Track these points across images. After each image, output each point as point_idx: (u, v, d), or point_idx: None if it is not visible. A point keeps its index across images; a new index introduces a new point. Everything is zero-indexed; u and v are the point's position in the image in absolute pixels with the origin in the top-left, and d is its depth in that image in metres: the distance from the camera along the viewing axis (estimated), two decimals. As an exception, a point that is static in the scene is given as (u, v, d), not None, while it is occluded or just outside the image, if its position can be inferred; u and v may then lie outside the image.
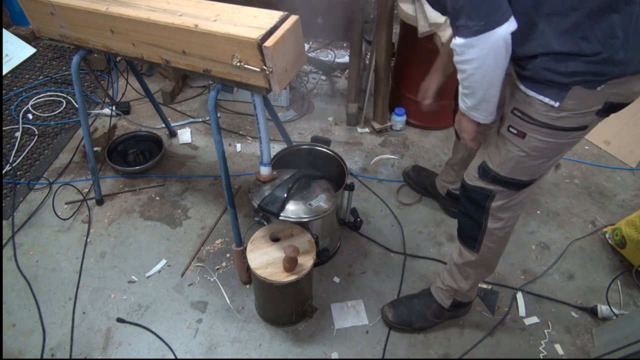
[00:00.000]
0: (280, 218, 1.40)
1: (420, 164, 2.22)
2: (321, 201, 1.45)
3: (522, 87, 1.04)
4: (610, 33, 0.90)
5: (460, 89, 1.07)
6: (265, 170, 1.47)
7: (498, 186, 1.21)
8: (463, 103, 1.10)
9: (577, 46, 0.92)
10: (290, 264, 1.35)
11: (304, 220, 1.41)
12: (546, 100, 1.00)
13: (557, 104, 0.99)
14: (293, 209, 1.41)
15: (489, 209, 1.26)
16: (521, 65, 1.01)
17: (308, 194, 1.47)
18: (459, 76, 1.03)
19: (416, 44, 2.04)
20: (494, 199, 1.24)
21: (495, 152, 1.18)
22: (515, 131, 1.10)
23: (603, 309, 1.64)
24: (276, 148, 2.26)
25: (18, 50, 2.83)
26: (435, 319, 1.58)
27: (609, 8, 0.89)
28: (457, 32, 0.95)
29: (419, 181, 2.06)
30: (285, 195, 1.41)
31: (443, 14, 1.10)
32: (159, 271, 1.77)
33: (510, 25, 0.92)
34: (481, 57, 0.95)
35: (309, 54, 2.89)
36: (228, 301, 1.68)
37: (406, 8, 2.06)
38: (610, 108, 1.01)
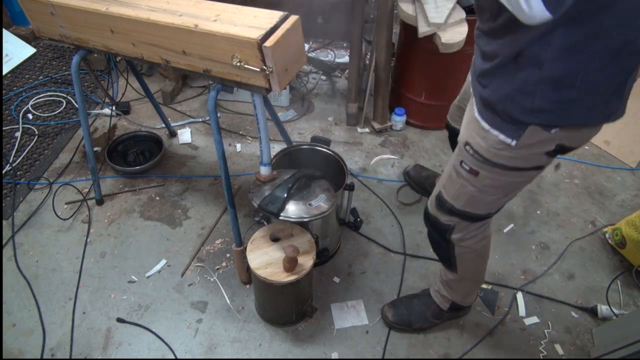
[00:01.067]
0: (280, 218, 1.40)
1: (420, 164, 2.23)
2: (321, 201, 1.45)
3: (478, 117, 0.99)
4: (602, 80, 0.85)
5: None
6: (265, 170, 1.47)
7: (454, 218, 1.19)
8: None
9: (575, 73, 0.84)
10: (290, 264, 1.35)
11: (304, 220, 1.41)
12: (502, 137, 0.95)
13: (513, 142, 0.95)
14: (293, 209, 1.41)
15: (450, 240, 1.25)
16: (487, 82, 0.95)
17: (308, 194, 1.47)
18: None
19: (416, 44, 2.05)
20: (454, 231, 1.22)
21: (450, 183, 1.15)
22: (467, 168, 1.07)
23: (603, 309, 1.64)
24: (276, 148, 2.25)
25: (18, 50, 2.83)
26: (434, 320, 1.58)
27: (618, 54, 0.83)
28: None
29: (419, 181, 2.06)
30: (285, 195, 1.41)
31: None
32: (159, 271, 1.77)
33: None
34: None
35: (309, 54, 2.89)
36: (228, 301, 1.68)
37: (406, 8, 2.06)
38: (561, 150, 0.98)
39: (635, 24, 0.80)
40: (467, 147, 1.04)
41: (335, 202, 1.48)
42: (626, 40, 0.81)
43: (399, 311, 1.59)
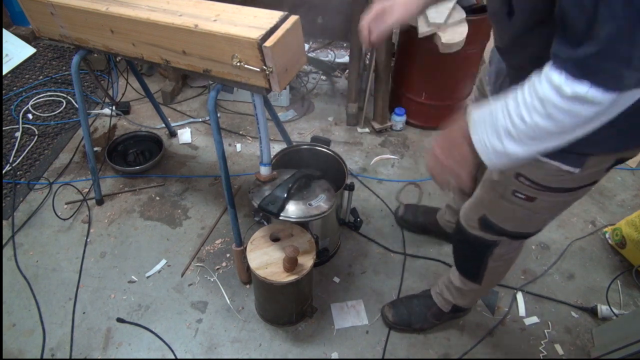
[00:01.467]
0: (280, 218, 1.40)
1: (420, 164, 2.23)
2: (321, 201, 1.44)
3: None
4: None
5: (515, 124, 0.75)
6: (265, 171, 1.47)
7: (503, 237, 1.16)
8: (501, 142, 0.78)
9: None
10: (290, 264, 1.35)
11: (304, 220, 1.41)
12: (564, 167, 0.91)
13: (577, 171, 0.91)
14: (293, 209, 1.41)
15: (490, 254, 1.21)
16: None
17: (308, 194, 1.47)
18: (541, 120, 0.72)
19: (416, 44, 2.04)
20: (497, 246, 1.19)
21: (497, 209, 1.10)
22: (522, 196, 1.02)
23: (603, 309, 1.64)
24: (276, 148, 2.25)
25: (18, 50, 2.83)
26: (435, 320, 1.58)
27: None
28: (587, 72, 0.66)
29: (417, 223, 1.89)
30: (285, 195, 1.41)
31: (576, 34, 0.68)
32: (159, 271, 1.77)
33: None
34: (598, 115, 0.70)
35: (309, 54, 2.89)
36: (228, 301, 1.68)
37: (406, 8, 2.05)
38: (619, 162, 0.95)
39: None
40: (521, 179, 0.99)
41: (335, 202, 1.48)
42: None
43: (399, 311, 1.59)
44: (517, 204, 1.04)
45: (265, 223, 1.60)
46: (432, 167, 0.92)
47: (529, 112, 0.73)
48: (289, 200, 1.42)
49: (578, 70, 0.66)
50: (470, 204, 1.20)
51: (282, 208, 1.39)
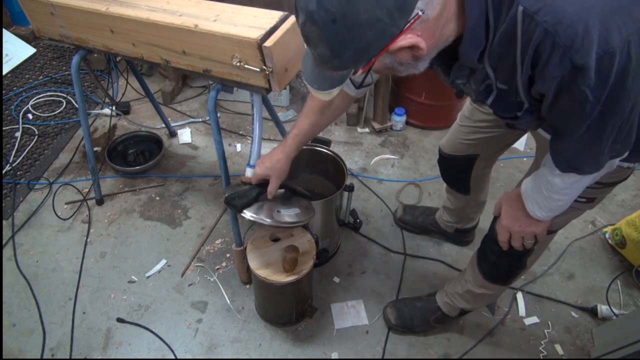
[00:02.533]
0: (240, 214, 1.34)
1: (420, 164, 2.23)
2: (290, 214, 1.38)
3: None
4: None
5: (546, 202, 0.99)
6: (250, 173, 1.41)
7: (548, 235, 1.15)
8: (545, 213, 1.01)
9: None
10: (290, 264, 1.35)
11: (259, 222, 1.35)
12: (625, 164, 0.96)
13: (638, 166, 0.97)
14: (255, 210, 1.35)
15: (531, 253, 1.20)
16: None
17: (283, 204, 1.41)
18: (560, 197, 0.97)
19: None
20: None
21: (554, 220, 1.08)
22: (584, 200, 1.05)
23: (603, 309, 1.64)
24: (276, 148, 2.25)
25: (18, 50, 2.83)
26: (437, 324, 1.57)
27: None
28: (572, 167, 0.89)
29: (417, 223, 1.89)
30: (255, 194, 1.36)
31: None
32: (159, 271, 1.77)
33: None
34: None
35: (309, 54, 2.88)
36: (228, 301, 1.68)
37: (406, 8, 2.05)
38: None
39: None
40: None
41: (308, 220, 1.41)
42: None
43: (401, 314, 1.58)
44: (578, 208, 1.07)
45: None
46: (504, 236, 1.11)
47: (553, 197, 0.97)
48: (258, 201, 1.36)
49: (565, 167, 0.89)
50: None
51: (246, 206, 1.34)
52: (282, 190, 1.43)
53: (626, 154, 0.87)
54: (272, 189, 1.31)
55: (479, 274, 1.32)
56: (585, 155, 0.86)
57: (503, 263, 1.26)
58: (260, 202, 1.37)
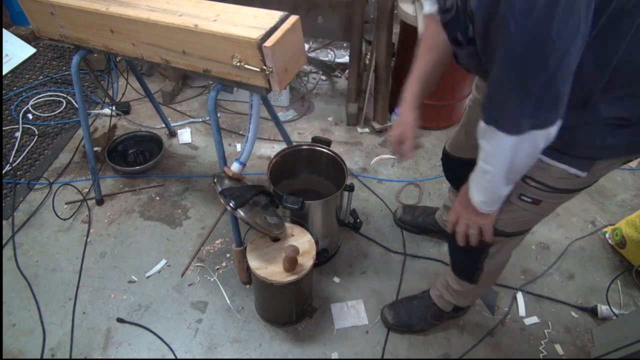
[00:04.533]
0: (235, 212, 1.35)
1: (420, 164, 2.23)
2: (273, 222, 1.43)
3: (542, 157, 0.94)
4: None
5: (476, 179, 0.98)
6: (236, 168, 1.42)
7: (500, 237, 1.16)
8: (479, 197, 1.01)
9: (630, 111, 0.84)
10: (290, 264, 1.35)
11: (251, 225, 1.37)
12: (573, 171, 0.93)
13: (584, 174, 0.93)
14: (248, 211, 1.37)
15: (487, 255, 1.23)
16: None
17: (266, 212, 1.44)
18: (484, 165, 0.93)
19: (416, 44, 2.04)
20: (494, 244, 1.20)
21: (501, 214, 1.10)
22: (529, 200, 1.04)
23: (603, 309, 1.64)
24: (276, 148, 2.26)
25: (18, 50, 2.83)
26: (435, 321, 1.58)
27: None
28: (494, 121, 0.82)
29: (417, 224, 1.89)
30: (248, 196, 1.38)
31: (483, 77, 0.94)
32: (159, 271, 1.77)
33: (555, 129, 0.80)
34: (512, 155, 0.85)
35: (309, 54, 2.89)
36: (228, 301, 1.68)
37: (406, 8, 2.06)
38: (624, 163, 0.98)
39: None
40: (528, 180, 1.00)
41: (282, 232, 1.45)
42: None
43: (399, 313, 1.59)
44: (523, 207, 1.06)
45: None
46: (452, 218, 1.13)
47: (483, 167, 0.93)
48: (249, 202, 1.38)
49: (488, 117, 0.83)
50: None
51: (241, 205, 1.35)
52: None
53: (552, 130, 0.80)
54: (409, 147, 1.20)
55: (450, 269, 1.38)
56: (505, 107, 0.80)
57: (461, 259, 1.30)
58: (251, 204, 1.38)
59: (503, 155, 0.86)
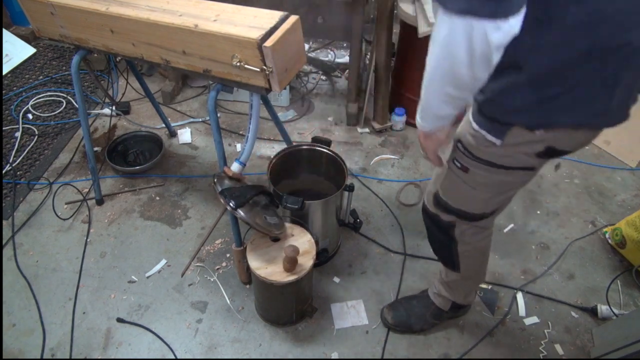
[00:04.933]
0: (234, 211, 1.36)
1: (420, 164, 2.23)
2: (273, 222, 1.45)
3: (470, 117, 1.00)
4: (578, 79, 0.82)
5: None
6: (236, 168, 1.43)
7: (452, 216, 1.20)
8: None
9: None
10: (290, 264, 1.35)
11: (251, 225, 1.38)
12: (488, 137, 0.96)
13: (498, 142, 0.95)
14: (248, 212, 1.37)
15: (453, 236, 1.25)
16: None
17: (266, 211, 1.45)
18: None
19: (416, 44, 2.04)
20: (456, 227, 1.23)
21: (444, 180, 1.16)
22: (459, 165, 1.08)
23: (603, 309, 1.64)
24: (276, 148, 2.26)
25: (18, 50, 2.83)
26: (434, 320, 1.58)
27: (589, 53, 0.79)
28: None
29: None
30: (248, 196, 1.39)
31: None
32: (159, 271, 1.77)
33: (510, 26, 0.71)
34: (446, 44, 0.76)
35: (309, 54, 2.89)
36: (228, 301, 1.68)
37: (406, 8, 2.06)
38: (553, 153, 0.96)
39: (607, 20, 0.76)
40: (459, 144, 1.06)
41: (282, 231, 1.46)
42: (595, 39, 0.78)
43: (398, 313, 1.59)
44: (456, 174, 1.10)
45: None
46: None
47: (425, 71, 0.85)
48: (249, 202, 1.39)
49: None
50: (430, 181, 1.27)
51: (241, 205, 1.36)
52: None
53: (502, 25, 0.70)
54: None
55: (435, 254, 1.43)
56: None
57: (437, 243, 1.34)
58: (251, 204, 1.39)
59: (438, 43, 0.77)
